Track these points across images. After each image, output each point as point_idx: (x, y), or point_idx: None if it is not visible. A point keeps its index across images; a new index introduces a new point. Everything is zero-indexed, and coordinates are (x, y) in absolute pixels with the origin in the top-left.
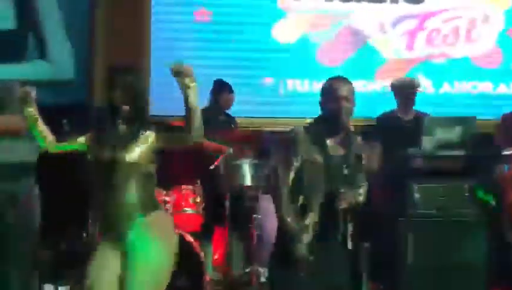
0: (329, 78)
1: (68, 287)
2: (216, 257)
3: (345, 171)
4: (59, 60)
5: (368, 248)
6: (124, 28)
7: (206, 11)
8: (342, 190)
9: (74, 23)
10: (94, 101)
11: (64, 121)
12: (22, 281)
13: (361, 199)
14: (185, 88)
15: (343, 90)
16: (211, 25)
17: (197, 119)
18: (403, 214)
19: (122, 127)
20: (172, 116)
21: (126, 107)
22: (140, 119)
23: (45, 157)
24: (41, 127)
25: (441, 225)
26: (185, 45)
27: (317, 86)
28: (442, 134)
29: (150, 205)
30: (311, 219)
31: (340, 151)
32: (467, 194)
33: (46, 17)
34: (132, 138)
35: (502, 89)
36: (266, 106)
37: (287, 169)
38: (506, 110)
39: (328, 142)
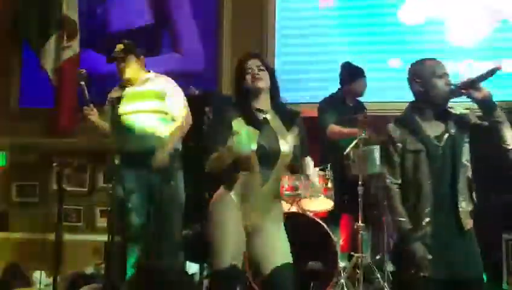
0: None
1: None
2: (342, 242)
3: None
4: (190, 53)
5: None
6: (249, 21)
7: None
8: None
9: (203, 18)
10: (222, 91)
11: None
12: (172, 256)
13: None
14: None
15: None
16: (335, 10)
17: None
18: None
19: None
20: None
21: (265, 86)
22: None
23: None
24: None
25: None
26: (310, 32)
27: (451, 67)
28: None
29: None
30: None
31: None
32: None
33: (178, 13)
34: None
35: None
36: (393, 89)
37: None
38: None
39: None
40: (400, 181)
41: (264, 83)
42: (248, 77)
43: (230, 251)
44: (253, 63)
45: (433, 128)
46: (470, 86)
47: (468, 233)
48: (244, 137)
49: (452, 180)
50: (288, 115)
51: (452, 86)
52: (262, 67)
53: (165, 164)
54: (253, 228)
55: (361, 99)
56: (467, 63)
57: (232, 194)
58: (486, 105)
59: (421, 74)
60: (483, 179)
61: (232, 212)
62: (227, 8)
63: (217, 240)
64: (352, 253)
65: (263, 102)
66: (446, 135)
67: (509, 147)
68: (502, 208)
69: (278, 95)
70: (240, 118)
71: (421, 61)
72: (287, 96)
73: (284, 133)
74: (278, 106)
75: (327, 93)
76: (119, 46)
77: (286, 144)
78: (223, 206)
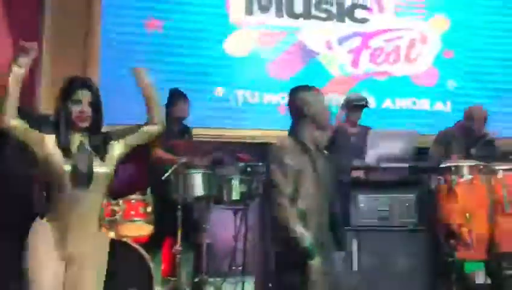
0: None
1: None
2: (164, 266)
3: None
4: None
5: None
6: (73, 37)
7: (157, 22)
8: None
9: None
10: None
11: None
12: None
13: None
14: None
15: None
16: (162, 36)
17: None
18: (348, 223)
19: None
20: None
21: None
22: (99, 130)
23: None
24: None
25: (383, 234)
26: (136, 56)
27: (268, 98)
28: (386, 147)
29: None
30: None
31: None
32: (407, 205)
33: None
34: (99, 149)
35: (438, 106)
36: (218, 116)
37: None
38: (442, 126)
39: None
40: (290, 199)
41: (88, 122)
42: (74, 109)
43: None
44: (83, 95)
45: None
46: None
47: None
48: (57, 158)
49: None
50: (106, 137)
51: None
52: (91, 100)
53: None
54: (70, 258)
55: (188, 125)
56: (282, 95)
57: (46, 219)
58: None
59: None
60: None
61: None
62: (48, 27)
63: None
64: (168, 277)
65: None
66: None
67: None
68: None
69: (100, 120)
70: (55, 138)
71: (307, 88)
72: (111, 117)
73: (102, 155)
74: (96, 128)
75: None
76: None
77: (103, 166)
78: (37, 235)
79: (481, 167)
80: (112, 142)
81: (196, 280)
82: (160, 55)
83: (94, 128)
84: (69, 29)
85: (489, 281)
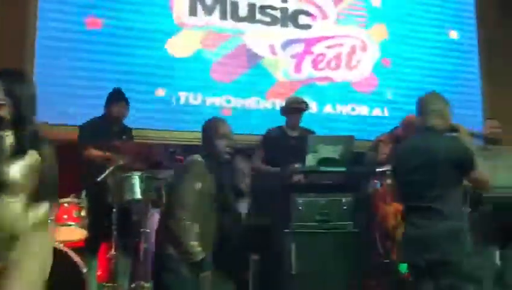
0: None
1: None
2: (100, 272)
3: None
4: None
5: (256, 260)
6: (8, 32)
7: (98, 19)
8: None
9: None
10: None
11: None
12: None
13: None
14: None
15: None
16: (102, 34)
17: None
18: (287, 226)
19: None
20: (54, 125)
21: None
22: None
23: None
24: None
25: (322, 236)
26: (75, 54)
27: (210, 101)
28: (324, 151)
29: None
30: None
31: None
32: (345, 207)
33: None
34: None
35: (377, 112)
36: (159, 117)
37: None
38: (380, 132)
39: None
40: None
41: (4, 112)
42: None
43: None
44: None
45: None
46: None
47: None
48: None
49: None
50: (29, 139)
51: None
52: (5, 88)
53: None
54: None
55: (127, 126)
56: (225, 98)
57: None
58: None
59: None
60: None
61: None
62: None
63: None
64: (104, 283)
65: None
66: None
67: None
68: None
69: (23, 122)
70: None
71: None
72: (45, 118)
73: (20, 157)
74: (22, 129)
75: (89, 117)
76: None
77: (18, 168)
78: None
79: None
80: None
81: (133, 285)
82: (100, 54)
83: (18, 123)
84: (5, 22)
85: None
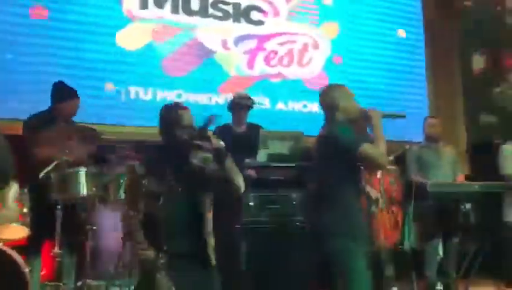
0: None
1: None
2: (44, 271)
3: None
4: None
5: None
6: None
7: (43, 9)
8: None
9: None
10: None
11: None
12: None
13: None
14: None
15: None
16: (48, 26)
17: None
18: (238, 221)
19: None
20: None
21: None
22: None
23: None
24: None
25: (272, 231)
26: (19, 43)
27: (161, 95)
28: (276, 147)
29: None
30: None
31: None
32: (295, 203)
33: None
34: None
35: None
36: (108, 113)
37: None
38: None
39: None
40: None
41: None
42: None
43: None
44: None
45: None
46: (201, 137)
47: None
48: None
49: (190, 215)
50: None
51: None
52: None
53: None
54: None
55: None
56: (177, 93)
57: None
58: (219, 154)
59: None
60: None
61: None
62: None
63: None
64: (47, 283)
65: None
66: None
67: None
68: None
69: None
70: None
71: (170, 107)
72: None
73: None
74: None
75: (34, 111)
76: None
77: None
78: None
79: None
80: None
81: (79, 283)
82: (46, 46)
83: None
84: None
85: None
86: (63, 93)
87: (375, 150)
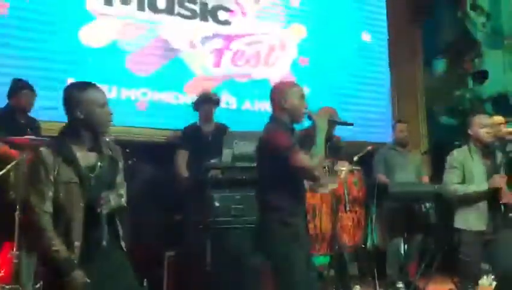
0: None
1: None
2: (2, 273)
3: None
4: None
5: (171, 257)
6: None
7: (3, 3)
8: (102, 195)
9: None
10: None
11: None
12: None
13: (123, 200)
14: None
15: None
16: (8, 20)
17: None
18: (203, 221)
19: None
20: None
21: None
22: None
23: None
24: None
25: (237, 231)
26: None
27: (126, 93)
28: (241, 147)
29: None
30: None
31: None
32: None
33: None
34: None
35: None
36: None
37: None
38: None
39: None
40: (51, 210)
41: None
42: None
43: None
44: None
45: (86, 159)
46: None
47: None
48: None
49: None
50: None
51: None
52: None
53: None
54: None
55: (34, 118)
56: (142, 91)
57: None
58: None
59: (82, 101)
60: (148, 199)
61: None
62: None
63: None
64: (4, 285)
65: None
66: (98, 166)
67: None
68: (164, 226)
69: None
70: None
71: (83, 88)
72: None
73: None
74: None
75: None
76: None
77: None
78: None
79: (325, 167)
80: None
81: (37, 286)
82: (4, 40)
83: None
84: None
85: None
86: (16, 86)
87: (307, 161)
